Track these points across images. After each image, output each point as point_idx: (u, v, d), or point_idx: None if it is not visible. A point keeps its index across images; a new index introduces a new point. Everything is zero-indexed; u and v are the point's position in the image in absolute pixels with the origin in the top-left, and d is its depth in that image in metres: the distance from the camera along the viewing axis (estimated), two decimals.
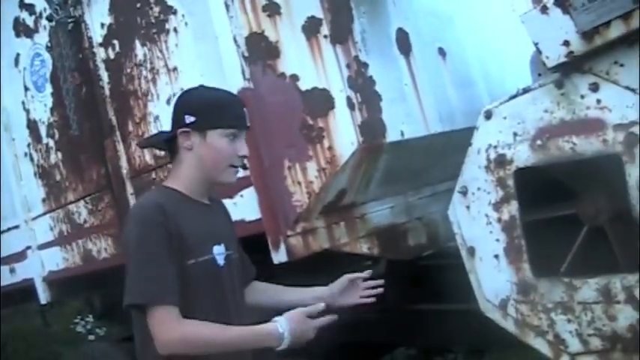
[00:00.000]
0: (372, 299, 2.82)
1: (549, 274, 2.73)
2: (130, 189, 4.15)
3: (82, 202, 4.62)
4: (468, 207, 2.91)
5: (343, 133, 3.22)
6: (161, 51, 3.76)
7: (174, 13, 3.65)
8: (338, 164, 3.22)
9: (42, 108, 4.77)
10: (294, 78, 3.26)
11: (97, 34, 4.18)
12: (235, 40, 3.31)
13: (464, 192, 2.91)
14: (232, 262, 2.58)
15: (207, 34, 3.47)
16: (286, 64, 3.29)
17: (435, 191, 3.91)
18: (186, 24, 3.61)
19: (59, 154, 4.73)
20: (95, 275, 4.64)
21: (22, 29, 4.80)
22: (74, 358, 5.29)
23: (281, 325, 2.37)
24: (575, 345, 2.67)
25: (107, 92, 4.19)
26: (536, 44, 2.58)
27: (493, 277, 2.87)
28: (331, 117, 3.23)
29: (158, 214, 2.40)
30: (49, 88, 4.68)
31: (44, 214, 4.98)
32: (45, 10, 4.48)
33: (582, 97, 2.56)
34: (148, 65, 3.86)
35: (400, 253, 3.69)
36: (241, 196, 3.41)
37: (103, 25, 4.13)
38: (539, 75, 2.84)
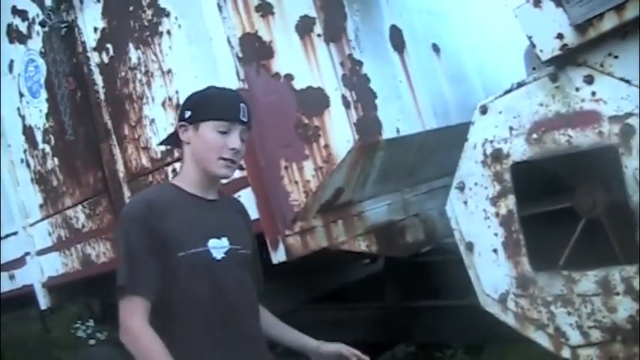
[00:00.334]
0: None
1: (548, 267, 2.73)
2: (127, 192, 4.14)
3: (79, 207, 4.62)
4: (465, 202, 2.92)
5: (339, 132, 3.21)
6: (155, 54, 3.76)
7: (167, 15, 3.65)
8: (334, 163, 3.22)
9: (37, 114, 4.77)
10: (289, 77, 3.26)
11: (90, 38, 4.18)
12: (229, 41, 3.31)
13: (461, 187, 2.92)
14: (237, 257, 2.60)
15: (201, 36, 3.47)
16: (280, 64, 3.29)
17: (431, 187, 3.91)
18: (179, 26, 3.61)
19: (55, 160, 4.73)
20: (94, 280, 4.64)
21: (15, 35, 4.79)
22: None
23: None
24: (575, 337, 2.67)
25: (102, 96, 4.18)
26: (529, 38, 2.59)
27: (492, 272, 2.88)
28: (326, 116, 3.23)
29: (142, 210, 2.53)
30: (43, 94, 4.68)
31: (42, 219, 4.98)
32: (38, 15, 4.48)
33: (577, 89, 2.57)
34: (143, 68, 3.86)
35: (398, 250, 3.68)
36: (239, 196, 3.40)
37: (96, 29, 4.12)
38: (534, 69, 2.85)
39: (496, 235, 2.83)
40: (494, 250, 2.85)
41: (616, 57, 2.47)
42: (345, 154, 3.21)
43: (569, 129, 2.58)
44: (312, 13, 3.30)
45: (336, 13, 3.33)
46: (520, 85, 2.74)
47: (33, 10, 4.57)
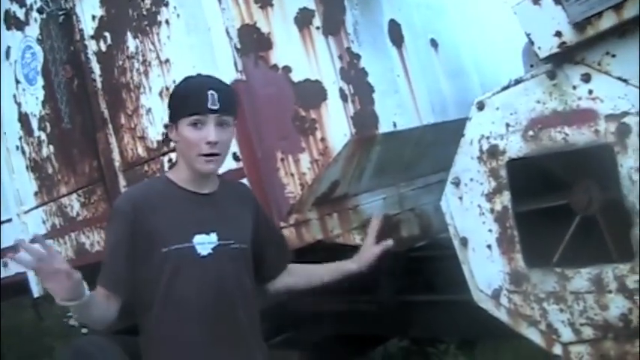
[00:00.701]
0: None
1: (542, 264, 2.74)
2: (122, 182, 4.13)
3: (74, 195, 4.61)
4: (460, 198, 2.92)
5: (336, 125, 3.22)
6: (153, 43, 3.75)
7: (166, 5, 3.63)
8: (331, 156, 3.22)
9: (33, 101, 4.75)
10: (287, 69, 3.26)
11: (88, 26, 4.16)
12: (227, 32, 3.30)
13: (456, 183, 2.92)
14: (228, 252, 2.59)
15: (199, 26, 3.46)
16: (279, 56, 3.28)
17: (427, 182, 3.91)
18: (178, 16, 3.59)
19: (51, 148, 4.72)
20: (88, 269, 4.63)
21: (12, 22, 4.77)
22: (67, 351, 5.27)
23: None
24: (567, 334, 2.68)
25: (99, 85, 4.17)
26: (528, 35, 2.59)
27: (486, 268, 2.88)
28: (324, 108, 3.23)
29: (125, 205, 2.59)
30: (40, 81, 4.66)
31: (36, 207, 4.97)
32: (35, 2, 4.45)
33: (574, 87, 2.57)
34: (140, 57, 3.85)
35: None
36: None
37: (94, 17, 4.10)
38: (532, 66, 2.85)
39: (490, 231, 2.84)
40: (489, 246, 2.85)
41: (614, 56, 2.47)
42: (342, 147, 3.21)
43: (565, 127, 2.59)
44: (312, 6, 3.30)
45: (335, 6, 3.34)
46: (517, 81, 2.74)
47: None
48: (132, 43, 3.88)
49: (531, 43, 2.59)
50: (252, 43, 3.29)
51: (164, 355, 2.57)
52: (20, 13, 4.69)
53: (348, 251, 3.22)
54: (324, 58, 3.27)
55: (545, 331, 2.74)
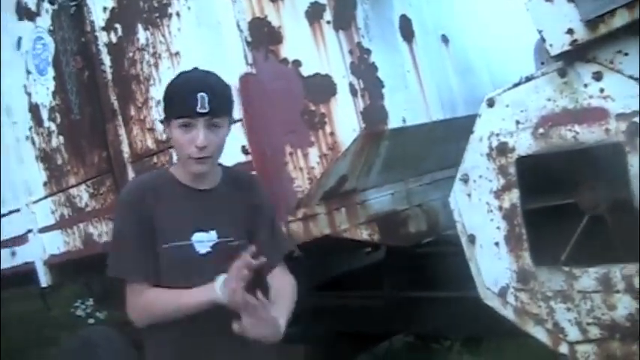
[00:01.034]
0: None
1: (549, 262, 2.73)
2: (131, 173, 4.15)
3: (83, 186, 4.62)
4: (469, 195, 2.92)
5: (345, 120, 3.21)
6: (163, 35, 3.75)
7: None
8: (339, 150, 3.22)
9: (44, 92, 4.76)
10: (297, 64, 3.25)
11: (99, 18, 4.17)
12: (238, 25, 3.30)
13: (465, 179, 2.91)
14: (228, 250, 2.53)
15: (210, 19, 3.46)
16: (289, 50, 3.28)
17: (435, 178, 3.91)
18: (188, 8, 3.59)
19: (61, 138, 4.73)
20: (96, 259, 4.64)
21: (24, 12, 4.78)
22: (74, 341, 5.29)
23: (217, 283, 2.35)
24: (574, 333, 2.68)
25: (109, 76, 4.17)
26: (540, 32, 2.57)
27: (493, 265, 2.88)
28: (333, 103, 3.23)
29: (133, 196, 2.55)
30: (51, 72, 4.68)
31: (45, 197, 4.98)
32: None
33: (585, 85, 2.56)
34: (151, 49, 3.85)
35: (400, 239, 3.69)
36: None
37: (105, 9, 4.11)
38: (543, 63, 2.85)
39: (498, 228, 2.83)
40: (496, 244, 2.85)
41: (626, 54, 2.46)
42: (351, 142, 3.21)
43: (575, 125, 2.58)
44: (323, 0, 3.29)
45: (346, 0, 3.32)
46: (528, 79, 2.73)
47: None
48: (142, 35, 3.88)
49: (543, 40, 2.58)
50: (263, 36, 3.29)
51: (165, 350, 2.57)
52: (32, 4, 4.70)
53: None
54: (335, 53, 3.26)
55: (551, 329, 2.74)
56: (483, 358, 4.61)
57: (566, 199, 2.74)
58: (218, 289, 2.33)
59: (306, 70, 3.25)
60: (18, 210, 5.25)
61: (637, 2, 2.31)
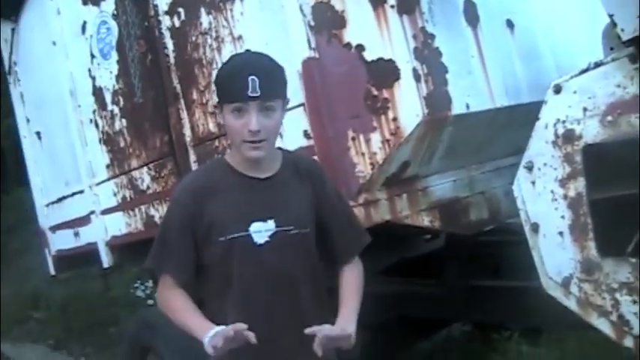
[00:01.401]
0: None
1: (615, 253, 2.67)
2: (192, 156, 4.19)
3: (145, 169, 4.68)
4: (533, 182, 2.86)
5: (408, 105, 3.18)
6: (226, 19, 3.76)
7: None
8: (402, 136, 3.19)
9: (107, 75, 4.83)
10: (360, 48, 3.23)
11: (162, 2, 4.20)
12: (301, 9, 3.29)
13: (529, 167, 2.86)
14: (287, 238, 2.53)
15: (273, 3, 3.46)
16: (352, 34, 3.26)
17: (498, 166, 3.87)
18: None
19: (123, 121, 4.80)
20: None
21: None
22: (133, 321, 5.38)
23: (211, 332, 2.32)
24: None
25: (172, 60, 4.21)
26: (610, 16, 2.51)
27: (556, 255, 2.82)
28: (396, 88, 3.20)
29: (183, 195, 2.56)
30: (114, 56, 4.74)
31: (108, 179, 5.07)
32: None
33: None
34: (213, 34, 3.87)
35: (461, 227, 3.65)
36: None
37: None
38: (612, 49, 2.77)
39: (563, 217, 2.78)
40: (560, 233, 2.79)
41: None
42: (414, 127, 3.18)
43: None
44: None
45: None
46: (597, 65, 2.66)
47: None
48: (205, 19, 3.90)
49: (614, 24, 2.51)
50: (326, 20, 3.28)
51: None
52: None
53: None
54: (398, 37, 3.22)
55: (616, 322, 2.68)
56: (543, 349, 4.55)
57: (633, 189, 2.68)
58: (207, 338, 2.31)
59: (369, 55, 3.23)
60: (82, 191, 5.35)
61: None
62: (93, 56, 4.93)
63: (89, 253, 5.42)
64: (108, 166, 5.03)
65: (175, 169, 4.36)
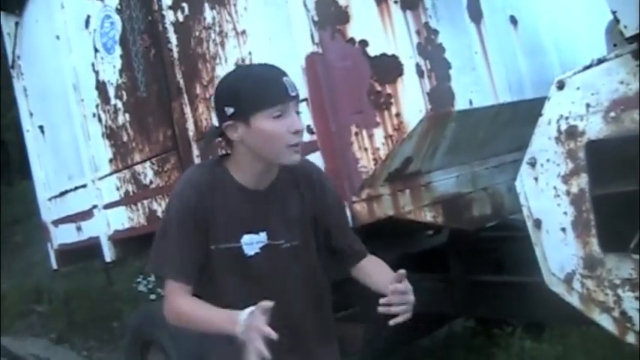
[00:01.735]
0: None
1: (618, 249, 2.67)
2: (195, 151, 4.19)
3: (148, 163, 4.69)
4: (536, 178, 2.87)
5: (411, 101, 3.18)
6: (230, 14, 3.76)
7: None
8: (405, 131, 3.19)
9: (111, 70, 4.83)
10: (363, 43, 3.23)
11: None
12: (305, 4, 3.29)
13: (532, 163, 2.86)
14: (278, 252, 2.51)
15: None
16: (355, 30, 3.26)
17: (501, 162, 3.87)
18: None
19: (127, 116, 4.80)
20: None
21: None
22: (135, 315, 5.40)
23: (242, 315, 2.22)
24: None
25: (175, 55, 4.22)
26: (614, 12, 2.51)
27: (559, 251, 2.83)
28: (400, 84, 3.20)
29: (192, 197, 2.42)
30: (118, 50, 4.74)
31: (111, 174, 5.07)
32: None
33: None
34: (217, 28, 3.87)
35: (464, 223, 3.66)
36: None
37: None
38: (615, 45, 2.77)
39: (566, 213, 2.78)
40: (563, 229, 2.80)
41: None
42: (417, 123, 3.18)
43: None
44: None
45: None
46: (600, 61, 2.66)
47: None
48: (209, 14, 3.90)
49: (617, 21, 2.51)
50: (330, 16, 3.28)
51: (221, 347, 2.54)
52: None
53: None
54: (402, 33, 3.22)
55: (618, 318, 2.69)
56: (546, 345, 4.55)
57: (636, 185, 2.68)
58: (242, 320, 2.21)
59: (372, 51, 3.23)
60: (84, 186, 5.35)
61: None
62: (96, 50, 4.93)
63: (92, 247, 5.42)
64: (111, 161, 5.04)
65: (178, 164, 4.37)
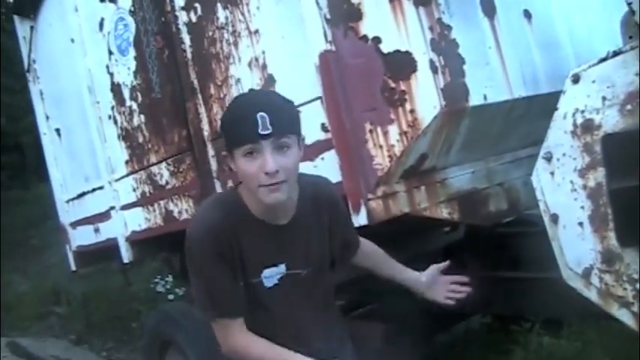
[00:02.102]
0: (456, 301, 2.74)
1: (636, 243, 2.65)
2: (210, 151, 4.21)
3: (163, 164, 4.71)
4: (552, 173, 2.85)
5: (425, 97, 3.17)
6: (243, 14, 3.77)
7: None
8: (420, 128, 3.18)
9: (125, 71, 4.85)
10: (377, 40, 3.22)
11: None
12: (317, 2, 3.28)
13: (548, 158, 2.84)
14: (296, 281, 2.51)
15: None
16: (368, 27, 3.24)
17: (516, 157, 3.84)
18: None
19: (142, 117, 4.82)
20: (176, 236, 4.72)
21: None
22: (154, 316, 5.41)
23: None
24: None
25: (189, 55, 4.23)
26: (629, 4, 2.49)
27: (576, 245, 2.81)
28: (413, 80, 3.18)
29: (207, 245, 2.37)
30: (132, 52, 4.76)
31: (127, 175, 5.10)
32: None
33: None
34: (230, 28, 3.88)
35: (480, 218, 3.64)
36: (322, 158, 3.42)
37: None
38: (631, 37, 2.75)
39: (583, 208, 2.76)
40: (580, 224, 2.77)
41: None
42: (431, 119, 3.17)
43: None
44: None
45: None
46: (616, 53, 2.64)
47: None
48: (222, 14, 3.91)
49: (632, 12, 2.50)
50: (342, 13, 3.27)
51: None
52: None
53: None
54: (415, 29, 3.21)
55: (637, 313, 2.67)
56: (564, 340, 4.52)
57: None
58: None
59: (386, 47, 3.21)
60: (101, 187, 5.38)
61: None
62: (111, 52, 4.96)
63: (109, 249, 5.45)
64: (127, 162, 5.06)
65: (194, 164, 4.38)
